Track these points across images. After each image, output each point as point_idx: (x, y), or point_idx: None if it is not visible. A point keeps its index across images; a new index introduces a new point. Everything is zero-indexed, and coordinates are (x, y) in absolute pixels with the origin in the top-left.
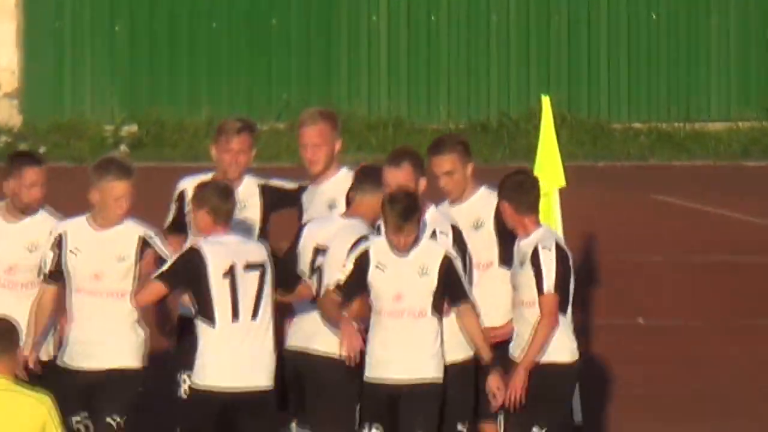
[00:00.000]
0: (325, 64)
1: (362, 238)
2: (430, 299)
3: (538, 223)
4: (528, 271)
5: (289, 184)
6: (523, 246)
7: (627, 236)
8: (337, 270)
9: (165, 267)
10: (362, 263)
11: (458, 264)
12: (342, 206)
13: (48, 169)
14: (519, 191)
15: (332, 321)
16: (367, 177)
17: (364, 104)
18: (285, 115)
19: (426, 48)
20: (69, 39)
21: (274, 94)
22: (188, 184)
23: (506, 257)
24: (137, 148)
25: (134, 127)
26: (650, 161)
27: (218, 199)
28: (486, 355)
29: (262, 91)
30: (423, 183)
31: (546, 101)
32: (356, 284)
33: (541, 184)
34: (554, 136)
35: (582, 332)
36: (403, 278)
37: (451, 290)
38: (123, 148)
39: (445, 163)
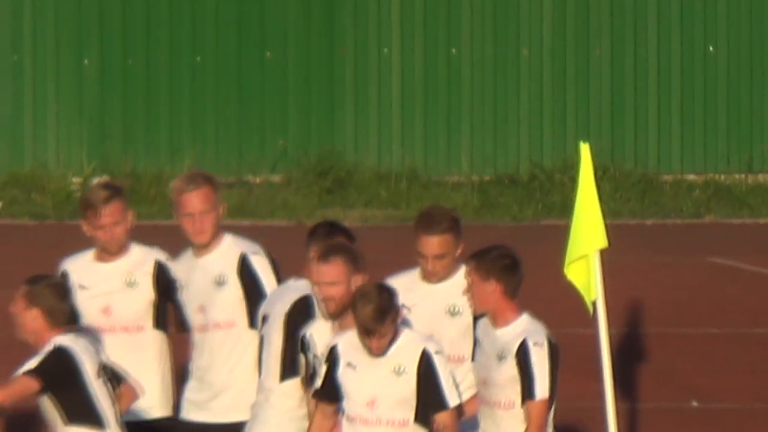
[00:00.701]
0: (328, 106)
1: (302, 299)
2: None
3: (520, 311)
4: (510, 369)
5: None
6: (503, 336)
7: (678, 305)
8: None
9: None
10: (332, 362)
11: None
12: (233, 281)
13: (7, 227)
14: (512, 272)
15: None
16: (314, 234)
17: (373, 152)
18: (281, 165)
19: (446, 86)
20: (29, 75)
21: (269, 141)
22: (69, 265)
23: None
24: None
25: (105, 180)
26: (706, 218)
27: (54, 299)
28: None
29: (254, 137)
30: (358, 280)
31: (585, 149)
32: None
33: (581, 244)
34: (595, 190)
35: (625, 418)
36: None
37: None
38: None
39: (437, 245)
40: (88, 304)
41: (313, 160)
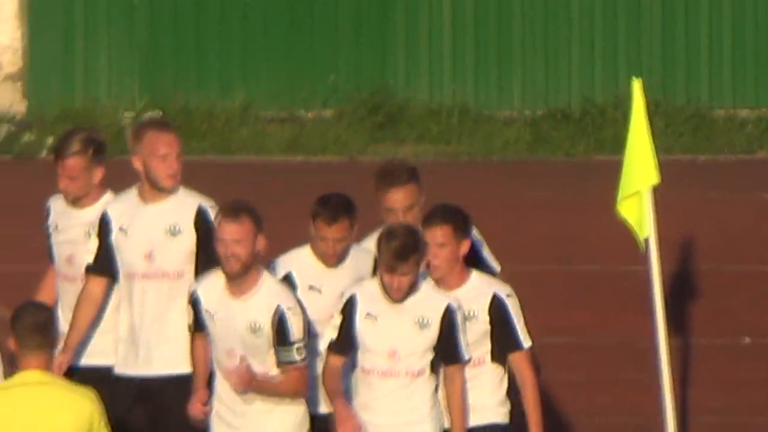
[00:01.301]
0: (380, 41)
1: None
2: (429, 357)
3: (470, 269)
4: (481, 326)
5: None
6: (466, 295)
7: (730, 242)
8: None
9: None
10: (349, 312)
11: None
12: (188, 232)
13: (47, 165)
14: (469, 226)
15: (331, 395)
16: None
17: (424, 88)
18: (333, 101)
19: (497, 21)
20: (81, 11)
21: (320, 77)
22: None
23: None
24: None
25: (157, 114)
26: (758, 154)
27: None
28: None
29: (305, 72)
30: (262, 241)
31: (637, 85)
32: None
33: (633, 181)
34: (646, 126)
35: (678, 355)
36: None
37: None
38: None
39: (403, 197)
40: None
41: (364, 95)
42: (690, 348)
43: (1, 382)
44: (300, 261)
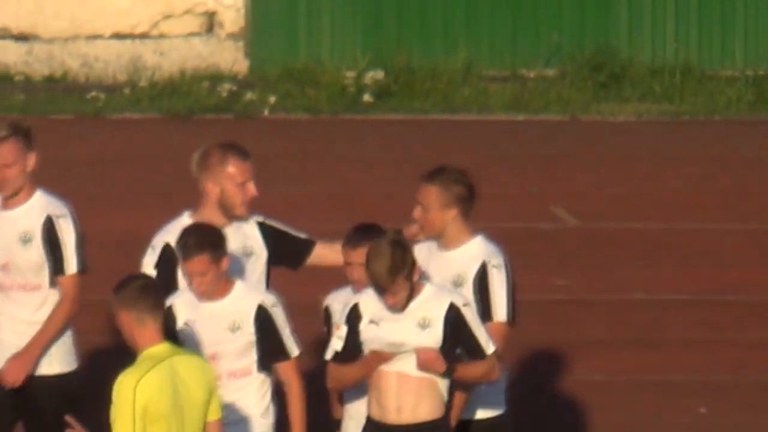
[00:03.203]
0: (603, 0)
1: None
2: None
3: (474, 232)
4: (466, 294)
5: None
6: (457, 257)
7: None
8: None
9: None
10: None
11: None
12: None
13: (280, 122)
14: (472, 196)
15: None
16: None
17: (647, 47)
18: (555, 59)
19: None
20: None
21: (543, 35)
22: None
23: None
24: (383, 97)
25: (380, 74)
26: None
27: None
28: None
29: (528, 31)
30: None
31: None
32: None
33: None
34: None
35: None
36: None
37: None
38: (366, 97)
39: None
40: None
41: (587, 54)
42: None
43: None
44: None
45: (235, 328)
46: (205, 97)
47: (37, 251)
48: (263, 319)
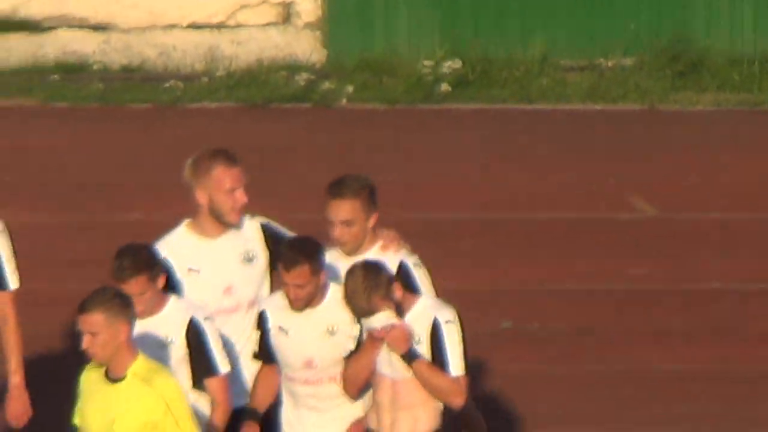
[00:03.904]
0: None
1: None
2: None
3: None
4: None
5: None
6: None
7: None
8: None
9: None
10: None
11: None
12: None
13: (357, 111)
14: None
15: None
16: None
17: (724, 36)
18: (633, 49)
19: None
20: None
21: (620, 25)
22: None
23: None
24: (461, 86)
25: (457, 63)
26: None
27: None
28: None
29: (605, 21)
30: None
31: None
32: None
33: None
34: None
35: None
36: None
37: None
38: (443, 87)
39: (345, 210)
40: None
41: (664, 43)
42: None
43: None
44: None
45: (168, 342)
46: (283, 87)
47: None
48: (194, 334)
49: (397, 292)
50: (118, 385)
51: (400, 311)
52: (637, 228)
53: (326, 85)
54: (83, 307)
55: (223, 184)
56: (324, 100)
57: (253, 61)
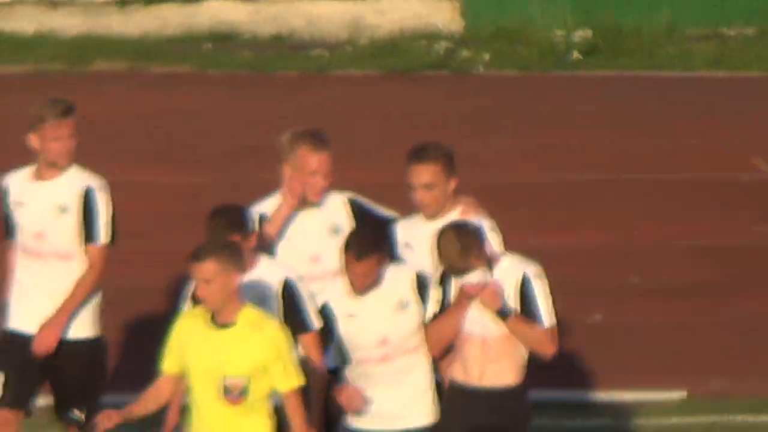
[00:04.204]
0: None
1: None
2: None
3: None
4: None
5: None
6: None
7: None
8: None
9: None
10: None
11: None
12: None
13: (493, 78)
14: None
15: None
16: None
17: None
18: (755, 18)
19: None
20: None
21: None
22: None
23: None
24: (591, 55)
25: (588, 33)
26: None
27: None
28: None
29: None
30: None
31: None
32: None
33: None
34: None
35: None
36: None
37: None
38: (575, 55)
39: (426, 174)
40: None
41: None
42: None
43: None
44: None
45: (263, 299)
46: (423, 55)
47: (72, 221)
48: (288, 291)
49: (488, 250)
50: (228, 330)
51: (489, 269)
52: (759, 188)
53: (464, 53)
54: (196, 256)
55: (305, 165)
56: (462, 67)
57: (395, 30)
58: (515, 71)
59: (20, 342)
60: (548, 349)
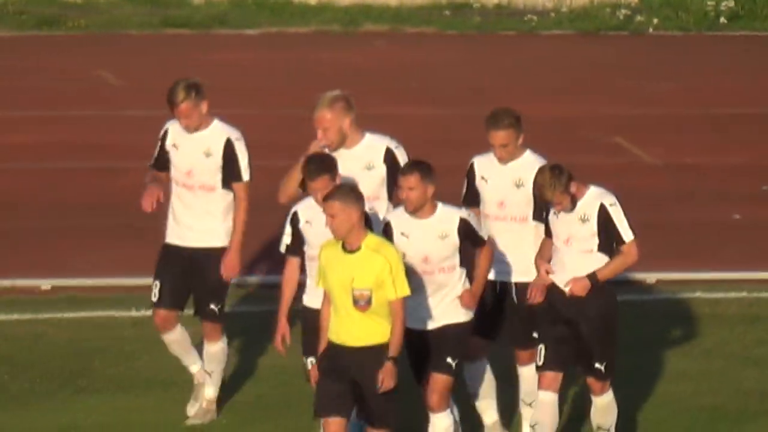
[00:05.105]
0: None
1: None
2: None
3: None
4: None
5: None
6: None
7: None
8: None
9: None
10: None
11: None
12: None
13: (661, 38)
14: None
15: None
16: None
17: None
18: None
19: None
20: None
21: None
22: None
23: (539, 214)
24: (734, 19)
25: (731, 2)
26: None
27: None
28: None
29: None
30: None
31: None
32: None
33: None
34: None
35: None
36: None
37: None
38: (722, 20)
39: (501, 137)
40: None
41: None
42: None
43: None
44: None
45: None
46: (608, 20)
47: (215, 162)
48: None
49: (573, 187)
50: (355, 255)
51: (574, 201)
52: None
53: (639, 18)
54: (326, 196)
55: (316, 123)
56: (637, 29)
57: (587, 0)
58: (678, 32)
59: (173, 252)
60: (634, 260)
